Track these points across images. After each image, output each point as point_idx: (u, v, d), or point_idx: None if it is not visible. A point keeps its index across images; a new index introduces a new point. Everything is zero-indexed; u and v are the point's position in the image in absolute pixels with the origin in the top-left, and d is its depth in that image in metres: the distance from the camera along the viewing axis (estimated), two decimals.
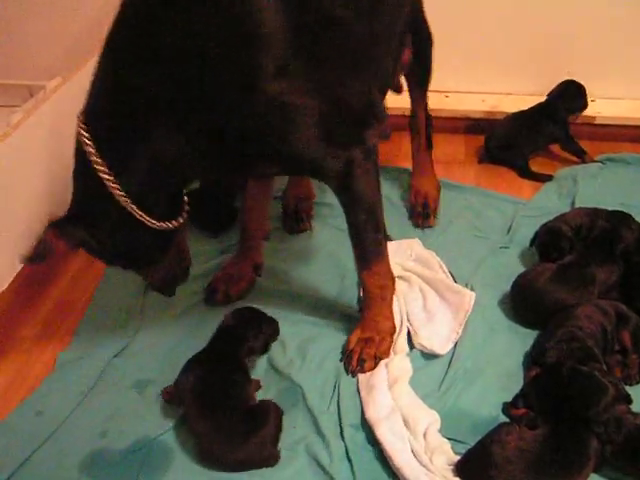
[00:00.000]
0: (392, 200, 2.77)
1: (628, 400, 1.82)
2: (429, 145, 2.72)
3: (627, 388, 1.91)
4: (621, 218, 2.36)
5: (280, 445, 1.84)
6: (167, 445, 1.87)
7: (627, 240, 2.27)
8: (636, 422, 1.74)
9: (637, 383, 2.00)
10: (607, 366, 1.97)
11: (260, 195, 2.40)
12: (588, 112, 3.10)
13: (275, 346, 2.13)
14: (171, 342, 2.19)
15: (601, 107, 3.14)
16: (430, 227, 2.62)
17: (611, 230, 2.31)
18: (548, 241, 2.37)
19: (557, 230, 2.37)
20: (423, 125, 2.69)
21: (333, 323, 2.23)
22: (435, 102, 2.69)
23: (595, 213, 2.41)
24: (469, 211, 2.67)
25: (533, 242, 2.41)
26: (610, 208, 2.44)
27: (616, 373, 1.98)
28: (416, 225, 2.64)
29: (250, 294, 2.36)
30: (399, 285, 2.28)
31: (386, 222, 2.05)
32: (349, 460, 1.83)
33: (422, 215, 2.64)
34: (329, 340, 2.17)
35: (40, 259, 1.75)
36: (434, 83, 2.62)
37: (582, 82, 3.09)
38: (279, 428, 1.86)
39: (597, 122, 3.12)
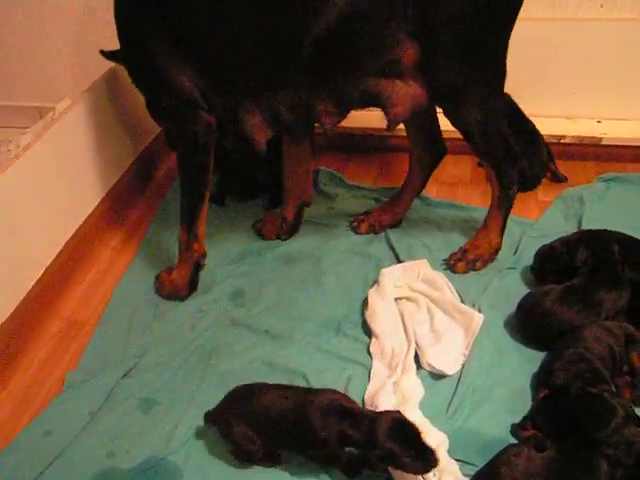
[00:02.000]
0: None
1: (638, 422, 1.81)
2: (500, 203, 2.50)
3: (637, 410, 1.91)
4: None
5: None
6: (175, 465, 1.88)
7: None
8: None
9: None
10: (615, 388, 1.97)
11: (301, 158, 2.59)
12: (595, 133, 3.11)
13: (280, 368, 2.16)
14: (179, 361, 2.20)
15: (607, 128, 3.14)
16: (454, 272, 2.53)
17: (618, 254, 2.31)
18: (541, 262, 2.40)
19: (549, 251, 2.39)
20: (492, 179, 2.48)
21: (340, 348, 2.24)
22: (442, 122, 2.69)
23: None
24: (475, 232, 2.66)
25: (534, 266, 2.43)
26: (617, 229, 2.45)
27: (625, 395, 1.98)
28: (445, 262, 2.56)
29: (256, 319, 2.37)
30: (406, 306, 2.29)
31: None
32: None
33: (459, 260, 2.55)
34: (335, 363, 2.18)
35: None
36: None
37: (588, 103, 3.11)
38: None
39: (603, 143, 3.12)
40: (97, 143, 2.72)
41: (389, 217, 2.73)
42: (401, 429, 1.69)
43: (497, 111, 2.33)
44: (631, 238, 2.43)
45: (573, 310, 2.16)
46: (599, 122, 3.16)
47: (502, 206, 2.51)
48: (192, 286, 2.46)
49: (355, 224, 2.75)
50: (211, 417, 1.93)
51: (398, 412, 1.75)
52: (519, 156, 2.47)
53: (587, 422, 1.75)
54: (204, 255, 2.44)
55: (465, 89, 2.21)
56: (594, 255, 2.31)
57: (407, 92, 2.22)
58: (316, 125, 2.41)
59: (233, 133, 2.32)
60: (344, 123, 2.37)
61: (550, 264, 2.37)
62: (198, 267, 2.45)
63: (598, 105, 3.16)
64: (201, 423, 1.96)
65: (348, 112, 2.32)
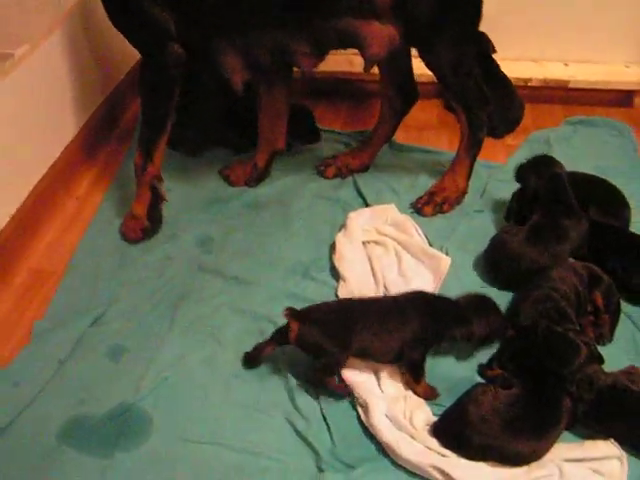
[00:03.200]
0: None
1: (600, 360, 1.85)
2: (468, 146, 2.51)
3: (599, 348, 1.95)
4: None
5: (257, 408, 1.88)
6: (145, 411, 1.88)
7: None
8: (607, 382, 1.78)
9: (609, 342, 2.04)
10: (580, 327, 2.00)
11: (278, 103, 2.56)
12: (562, 76, 3.10)
13: (248, 313, 2.16)
14: (147, 308, 2.18)
15: (575, 71, 3.14)
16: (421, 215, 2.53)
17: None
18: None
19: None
20: (462, 122, 2.49)
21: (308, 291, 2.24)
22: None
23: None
24: (442, 175, 2.66)
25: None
26: (584, 171, 2.47)
27: (589, 333, 2.01)
28: (412, 206, 2.56)
29: (224, 264, 2.35)
30: (374, 249, 2.29)
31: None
32: (326, 424, 1.85)
33: (426, 203, 2.54)
34: (302, 306, 2.10)
35: None
36: None
37: (555, 46, 3.11)
38: None
39: (570, 86, 3.12)
40: (59, 89, 2.65)
41: (357, 161, 2.72)
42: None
43: (470, 52, 2.34)
44: (597, 178, 2.46)
45: (540, 248, 2.18)
46: (566, 65, 3.17)
47: (470, 149, 2.51)
48: (154, 217, 2.44)
49: (322, 168, 2.74)
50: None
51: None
52: (489, 100, 2.46)
53: (551, 360, 1.78)
54: (159, 178, 2.41)
55: (439, 29, 2.21)
56: (546, 181, 2.33)
57: (383, 32, 2.20)
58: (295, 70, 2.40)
59: (210, 71, 2.32)
60: None
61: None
62: (157, 195, 2.42)
63: (566, 48, 3.16)
64: (170, 369, 1.97)
65: (325, 54, 2.31)
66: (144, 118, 2.37)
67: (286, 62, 2.34)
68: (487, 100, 2.44)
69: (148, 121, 2.36)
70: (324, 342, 1.84)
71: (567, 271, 2.09)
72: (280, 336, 1.91)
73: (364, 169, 2.73)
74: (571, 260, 2.21)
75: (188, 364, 2.01)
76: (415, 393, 1.89)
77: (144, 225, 2.42)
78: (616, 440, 1.77)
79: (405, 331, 1.88)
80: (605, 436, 1.78)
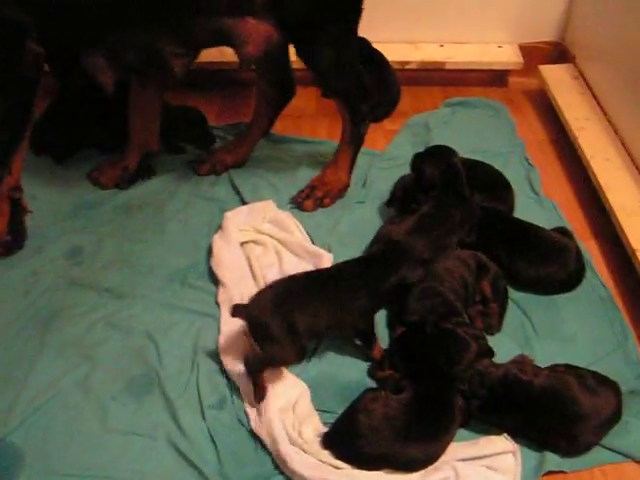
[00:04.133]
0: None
1: (490, 354, 1.81)
2: (351, 139, 2.44)
3: (490, 338, 1.92)
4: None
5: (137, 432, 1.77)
6: (15, 447, 1.73)
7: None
8: (498, 374, 1.74)
9: (498, 332, 2.01)
10: (469, 318, 1.96)
11: (150, 102, 2.45)
12: (438, 58, 3.08)
13: (124, 329, 2.02)
14: (14, 330, 2.02)
15: (450, 52, 3.12)
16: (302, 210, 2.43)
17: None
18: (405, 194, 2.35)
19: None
20: (343, 115, 2.41)
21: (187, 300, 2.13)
22: None
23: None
24: (323, 168, 2.57)
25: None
26: (464, 155, 2.44)
27: (478, 324, 1.97)
28: (292, 200, 2.46)
29: (96, 277, 2.20)
30: (253, 250, 2.21)
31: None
32: (213, 442, 1.75)
33: (306, 197, 2.45)
34: (182, 317, 2.06)
35: None
36: None
37: (431, 28, 3.08)
38: None
39: (447, 67, 3.10)
40: None
41: (232, 157, 2.61)
42: None
43: (352, 50, 2.27)
44: (480, 163, 2.44)
45: (429, 240, 2.12)
46: (442, 46, 3.14)
47: (352, 142, 2.44)
48: (16, 231, 2.26)
49: (196, 165, 2.61)
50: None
51: None
52: (370, 91, 2.40)
53: (441, 359, 1.74)
54: (18, 188, 2.23)
55: (318, 27, 2.13)
56: (442, 172, 2.28)
57: (259, 30, 2.11)
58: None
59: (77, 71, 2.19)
60: None
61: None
62: (18, 207, 2.26)
63: (441, 30, 3.14)
64: (42, 396, 1.83)
65: (198, 52, 2.21)
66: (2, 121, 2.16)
67: (156, 63, 2.19)
68: (367, 92, 2.37)
69: (3, 127, 2.15)
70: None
71: (454, 262, 2.05)
72: None
73: (240, 164, 2.61)
74: (457, 249, 2.18)
75: (62, 389, 1.87)
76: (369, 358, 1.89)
77: (4, 240, 2.24)
78: (510, 432, 1.74)
79: (355, 302, 1.84)
80: (500, 430, 1.75)
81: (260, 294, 1.83)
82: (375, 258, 1.96)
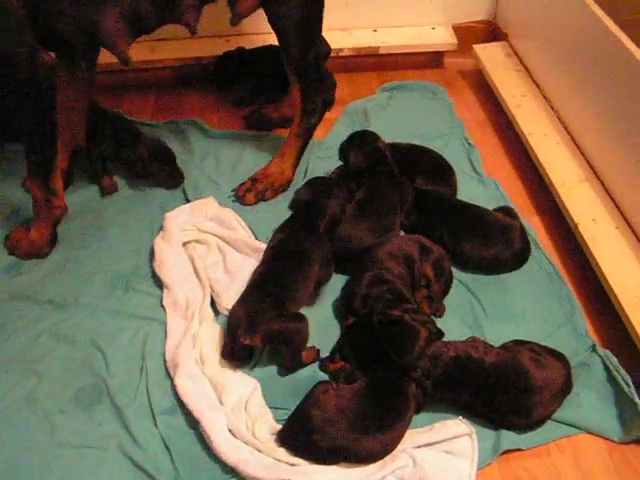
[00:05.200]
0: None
1: (439, 335, 1.80)
2: (300, 131, 2.42)
3: (439, 321, 1.93)
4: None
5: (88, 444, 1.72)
6: None
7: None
8: (450, 354, 1.73)
9: (444, 312, 2.02)
10: (417, 303, 1.95)
11: (78, 95, 2.35)
12: (372, 43, 3.06)
13: (69, 339, 1.98)
14: None
15: (384, 37, 3.10)
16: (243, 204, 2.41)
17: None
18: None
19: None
20: (296, 103, 2.38)
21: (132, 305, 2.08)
22: None
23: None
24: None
25: None
26: (405, 139, 2.44)
27: (425, 309, 1.97)
28: (233, 194, 2.44)
29: (37, 288, 2.14)
30: (196, 249, 2.17)
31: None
32: (167, 449, 1.71)
33: (247, 190, 2.42)
34: (128, 323, 2.02)
35: None
36: None
37: (363, 13, 3.06)
38: None
39: (381, 52, 3.08)
40: None
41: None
42: None
43: (318, 14, 2.27)
44: (420, 147, 2.44)
45: (372, 224, 2.12)
46: (375, 31, 3.13)
47: (301, 134, 2.42)
48: (54, 243, 2.25)
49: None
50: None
51: None
52: (327, 84, 2.42)
53: (391, 349, 1.72)
54: (66, 209, 2.23)
55: None
56: (367, 156, 2.31)
57: None
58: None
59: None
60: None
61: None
62: (58, 223, 2.24)
63: (372, 14, 3.11)
64: None
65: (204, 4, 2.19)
66: (29, 144, 2.08)
67: (172, 17, 2.15)
68: (324, 83, 2.38)
69: (35, 146, 2.08)
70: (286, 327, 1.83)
71: (397, 246, 2.04)
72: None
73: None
74: (401, 233, 2.17)
75: (8, 405, 1.82)
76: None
77: (43, 251, 2.23)
78: (466, 410, 1.75)
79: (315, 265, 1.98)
80: (455, 411, 1.76)
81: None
82: (301, 217, 2.12)
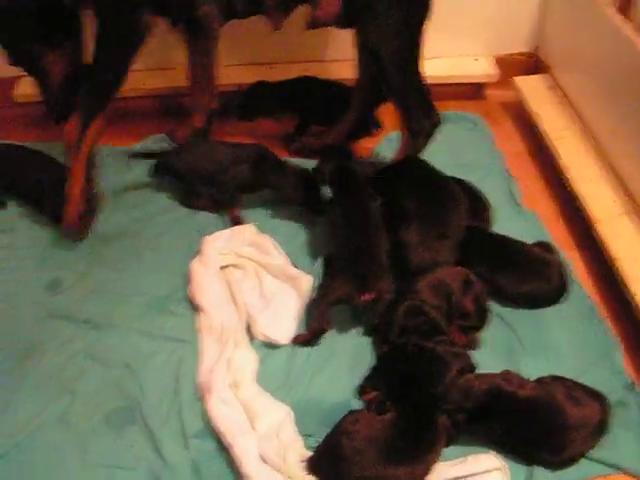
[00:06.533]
0: None
1: (472, 369, 1.79)
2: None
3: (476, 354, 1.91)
4: None
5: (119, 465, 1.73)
6: None
7: None
8: (482, 387, 1.72)
9: (478, 345, 2.00)
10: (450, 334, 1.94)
11: (207, 61, 2.61)
12: None
13: (103, 360, 2.00)
14: None
15: (426, 67, 3.07)
16: None
17: None
18: None
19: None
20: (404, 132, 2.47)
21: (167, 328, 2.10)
22: None
23: None
24: None
25: None
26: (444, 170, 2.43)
27: (459, 341, 1.95)
28: None
29: (74, 308, 2.17)
30: (234, 274, 2.18)
31: None
32: (197, 473, 1.71)
33: None
34: (162, 345, 2.04)
35: None
36: None
37: None
38: None
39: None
40: None
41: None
42: None
43: (416, 47, 2.29)
44: (456, 181, 2.41)
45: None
46: None
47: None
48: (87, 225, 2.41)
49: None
50: None
51: None
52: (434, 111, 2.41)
53: (422, 380, 1.72)
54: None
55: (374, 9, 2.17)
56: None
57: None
58: None
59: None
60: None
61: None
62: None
63: None
64: (22, 431, 1.81)
65: (289, 10, 2.33)
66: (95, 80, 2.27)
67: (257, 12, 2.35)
68: (430, 107, 2.40)
69: (107, 70, 2.26)
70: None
71: (439, 278, 2.02)
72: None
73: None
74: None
75: (41, 424, 1.84)
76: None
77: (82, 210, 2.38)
78: (498, 445, 1.73)
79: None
80: (487, 445, 1.74)
81: None
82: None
